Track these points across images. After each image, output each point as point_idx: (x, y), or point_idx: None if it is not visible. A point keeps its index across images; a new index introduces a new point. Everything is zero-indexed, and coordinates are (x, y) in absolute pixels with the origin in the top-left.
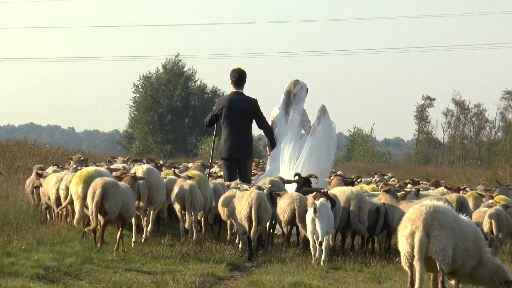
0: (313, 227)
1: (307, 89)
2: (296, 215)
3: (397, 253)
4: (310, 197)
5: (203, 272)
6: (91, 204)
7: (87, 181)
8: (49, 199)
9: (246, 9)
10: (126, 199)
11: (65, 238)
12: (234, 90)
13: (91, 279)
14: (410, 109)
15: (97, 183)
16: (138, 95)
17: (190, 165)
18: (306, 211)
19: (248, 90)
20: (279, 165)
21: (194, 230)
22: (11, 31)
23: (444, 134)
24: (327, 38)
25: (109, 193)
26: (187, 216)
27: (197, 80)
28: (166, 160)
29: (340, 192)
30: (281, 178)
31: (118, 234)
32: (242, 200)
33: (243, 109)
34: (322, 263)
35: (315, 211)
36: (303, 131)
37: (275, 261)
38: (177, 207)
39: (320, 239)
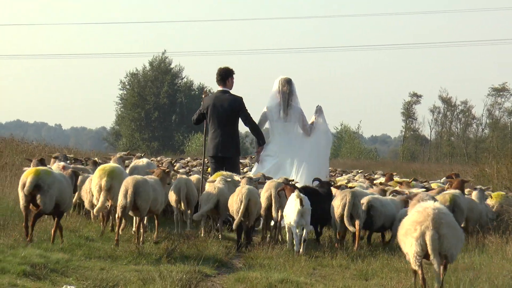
0: (299, 219)
1: None
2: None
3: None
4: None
5: (190, 269)
6: (121, 201)
7: (111, 175)
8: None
9: (233, 6)
10: (156, 195)
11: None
12: (220, 88)
13: (78, 276)
14: (397, 106)
15: (129, 182)
16: (125, 92)
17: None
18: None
19: (235, 87)
20: (279, 162)
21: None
22: None
23: (431, 131)
24: (314, 35)
25: (140, 191)
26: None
27: (184, 77)
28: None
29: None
30: (286, 179)
31: (138, 227)
32: (234, 195)
33: (227, 107)
34: (300, 255)
35: (301, 204)
36: (300, 131)
37: (262, 257)
38: (173, 198)
39: (304, 232)
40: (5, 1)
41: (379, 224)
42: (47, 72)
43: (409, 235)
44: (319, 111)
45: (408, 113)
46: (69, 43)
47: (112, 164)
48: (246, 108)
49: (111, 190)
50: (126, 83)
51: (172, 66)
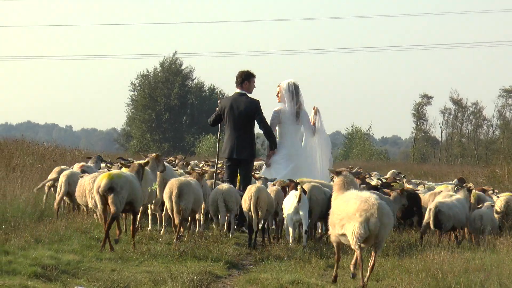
0: (294, 214)
1: None
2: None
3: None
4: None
5: (201, 270)
6: (169, 204)
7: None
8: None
9: (244, 6)
10: (197, 196)
11: (63, 236)
12: (237, 91)
13: (89, 277)
14: (407, 107)
15: (173, 184)
16: (136, 93)
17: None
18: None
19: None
20: (297, 165)
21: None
22: (8, 29)
23: (441, 132)
24: (325, 36)
25: (184, 193)
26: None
27: (194, 78)
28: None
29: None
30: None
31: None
32: (245, 194)
33: (243, 110)
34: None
35: (299, 201)
36: (309, 133)
37: (273, 259)
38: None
39: (305, 227)
40: (18, 1)
41: (449, 226)
42: (58, 73)
43: (353, 220)
44: (317, 112)
45: (419, 115)
46: (79, 44)
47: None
48: (262, 111)
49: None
50: (137, 85)
51: (183, 67)
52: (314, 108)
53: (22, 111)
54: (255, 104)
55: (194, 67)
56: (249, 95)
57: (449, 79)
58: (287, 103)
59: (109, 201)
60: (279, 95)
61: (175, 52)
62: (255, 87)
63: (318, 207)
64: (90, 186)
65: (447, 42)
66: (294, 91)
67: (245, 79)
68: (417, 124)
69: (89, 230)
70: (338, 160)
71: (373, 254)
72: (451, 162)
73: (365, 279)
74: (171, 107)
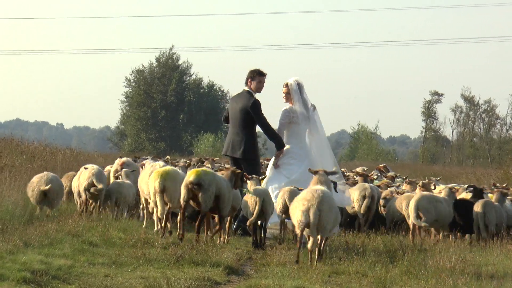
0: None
1: None
2: None
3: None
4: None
5: (198, 276)
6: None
7: (164, 176)
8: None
9: None
10: (223, 192)
11: (53, 240)
12: (245, 88)
13: (81, 283)
14: (417, 105)
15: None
16: (131, 90)
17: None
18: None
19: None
20: (310, 165)
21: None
22: None
23: (452, 132)
24: (330, 29)
25: (221, 192)
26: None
27: (192, 74)
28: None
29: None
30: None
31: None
32: (248, 196)
33: (238, 108)
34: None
35: None
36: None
37: (275, 264)
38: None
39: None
40: None
41: (431, 220)
42: (49, 69)
43: (297, 208)
44: (315, 110)
45: (429, 113)
46: (71, 38)
47: (167, 166)
48: (260, 111)
49: (166, 191)
50: (132, 80)
51: (180, 62)
52: (311, 105)
53: (11, 108)
54: (252, 103)
55: (192, 62)
56: (256, 94)
57: (460, 76)
58: (297, 103)
59: (199, 197)
60: (287, 95)
61: (172, 46)
62: (263, 86)
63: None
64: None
65: (458, 37)
66: (301, 90)
67: (249, 77)
68: (427, 123)
69: (81, 233)
70: (343, 160)
71: (319, 238)
72: (462, 163)
73: (314, 262)
74: (168, 104)
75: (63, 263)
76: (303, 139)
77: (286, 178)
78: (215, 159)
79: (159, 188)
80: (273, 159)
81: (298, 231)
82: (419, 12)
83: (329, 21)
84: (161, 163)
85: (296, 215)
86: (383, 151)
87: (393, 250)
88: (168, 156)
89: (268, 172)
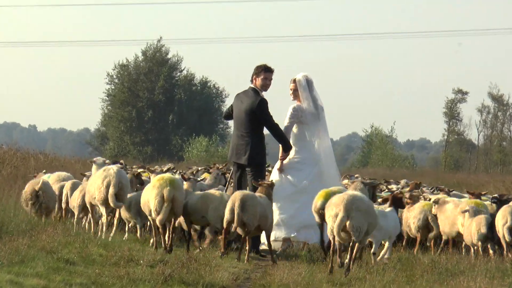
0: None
1: None
2: None
3: None
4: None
5: None
6: (228, 216)
7: (173, 184)
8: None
9: None
10: (263, 210)
11: (25, 257)
12: (251, 86)
13: None
14: (438, 105)
15: (236, 196)
16: (113, 87)
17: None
18: None
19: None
20: (321, 169)
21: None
22: None
23: (478, 135)
24: (337, 19)
25: (247, 205)
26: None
27: (183, 69)
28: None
29: None
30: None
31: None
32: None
33: (243, 108)
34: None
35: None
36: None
37: (276, 284)
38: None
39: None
40: None
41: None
42: (20, 64)
43: (328, 213)
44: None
45: (452, 114)
46: (46, 28)
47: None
48: (267, 111)
49: (174, 201)
50: (114, 76)
51: (169, 56)
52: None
53: None
54: (258, 102)
55: (182, 56)
56: (263, 92)
57: (487, 72)
58: (305, 101)
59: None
60: (294, 92)
61: (160, 38)
62: (270, 84)
63: None
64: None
65: (484, 28)
66: (311, 87)
67: (254, 73)
68: (450, 125)
69: (57, 249)
70: (354, 167)
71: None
72: (490, 170)
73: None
74: (155, 103)
75: (35, 283)
76: (312, 141)
77: (293, 186)
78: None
79: (168, 197)
80: (278, 163)
81: (330, 237)
82: (441, 0)
83: (336, 8)
84: (114, 167)
85: (328, 221)
86: (400, 156)
87: (410, 268)
88: (121, 161)
89: (273, 177)
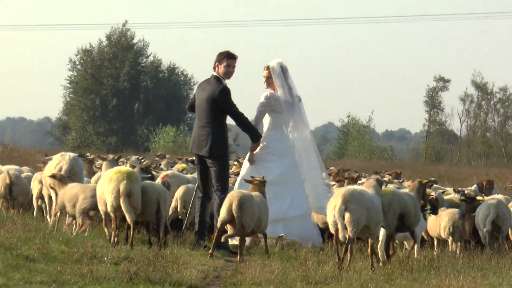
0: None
1: None
2: None
3: None
4: None
5: None
6: (223, 216)
7: (130, 177)
8: None
9: None
10: (260, 213)
11: None
12: (213, 73)
13: None
14: (419, 94)
15: (233, 196)
16: (75, 74)
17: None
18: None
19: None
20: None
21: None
22: None
23: (461, 125)
24: (313, 2)
25: (244, 206)
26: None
27: (149, 55)
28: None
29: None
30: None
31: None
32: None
33: (204, 97)
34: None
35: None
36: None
37: (248, 283)
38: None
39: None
40: None
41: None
42: None
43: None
44: (300, 101)
45: (433, 103)
46: (2, 11)
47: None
48: (230, 99)
49: (131, 195)
50: (77, 62)
51: (135, 41)
52: (296, 94)
53: None
54: (221, 90)
55: (148, 41)
56: (226, 80)
57: (470, 59)
58: (280, 89)
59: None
60: (268, 79)
61: (126, 21)
62: (233, 71)
63: None
64: None
65: (468, 12)
66: (286, 74)
67: (216, 60)
68: (431, 115)
69: (16, 246)
70: (330, 158)
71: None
72: (473, 163)
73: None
74: (120, 91)
75: None
76: (286, 131)
77: (266, 175)
78: (189, 159)
79: (125, 191)
80: (248, 154)
81: (332, 231)
82: None
83: None
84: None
85: (328, 215)
86: (378, 148)
87: (390, 266)
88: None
89: (243, 170)
